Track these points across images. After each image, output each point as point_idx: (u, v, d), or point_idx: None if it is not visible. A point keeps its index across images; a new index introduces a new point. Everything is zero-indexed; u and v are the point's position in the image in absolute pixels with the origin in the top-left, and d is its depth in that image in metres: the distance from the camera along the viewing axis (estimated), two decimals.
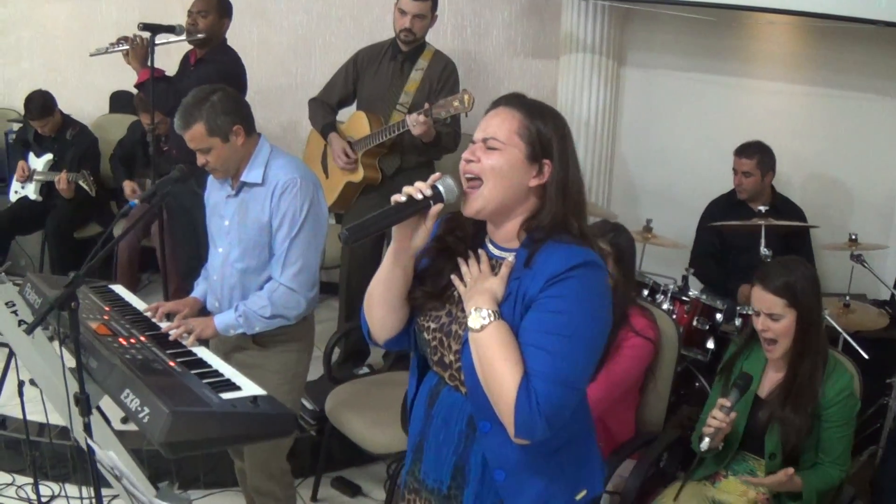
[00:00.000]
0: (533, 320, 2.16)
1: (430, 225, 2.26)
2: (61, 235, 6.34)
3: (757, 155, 5.33)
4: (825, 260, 5.68)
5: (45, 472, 4.54)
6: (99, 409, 3.08)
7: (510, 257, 2.27)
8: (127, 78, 6.63)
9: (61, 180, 6.11)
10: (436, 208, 2.24)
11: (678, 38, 6.24)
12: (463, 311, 2.25)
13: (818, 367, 3.31)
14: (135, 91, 5.76)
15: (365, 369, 5.43)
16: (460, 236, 2.37)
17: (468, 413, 2.33)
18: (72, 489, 4.38)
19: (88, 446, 2.81)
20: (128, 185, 6.12)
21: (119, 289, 3.89)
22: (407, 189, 2.23)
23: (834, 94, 5.88)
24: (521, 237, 2.27)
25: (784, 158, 5.58)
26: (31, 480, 4.40)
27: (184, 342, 3.40)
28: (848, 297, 4.98)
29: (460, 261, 2.33)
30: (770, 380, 3.43)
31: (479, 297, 2.20)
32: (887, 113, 5.75)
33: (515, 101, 2.31)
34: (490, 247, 2.34)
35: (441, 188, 2.23)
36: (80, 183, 6.13)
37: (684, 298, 4.82)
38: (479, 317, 2.17)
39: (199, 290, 3.80)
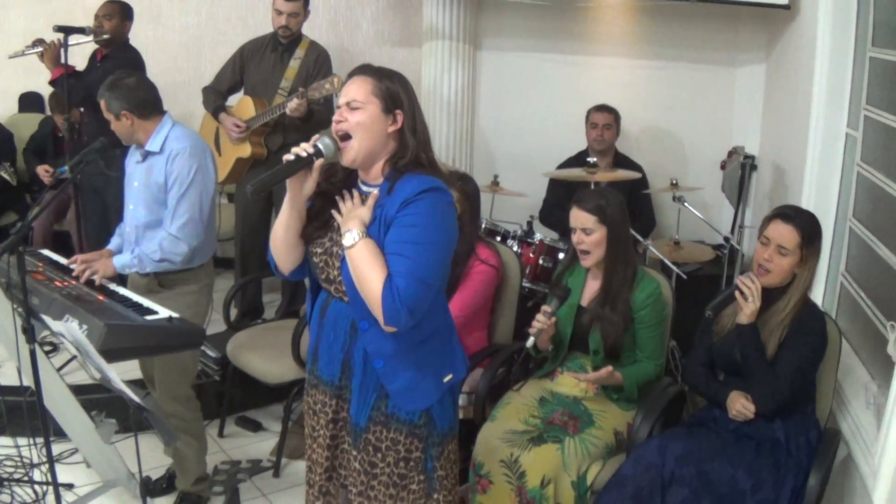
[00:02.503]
0: (392, 234, 2.74)
1: (315, 176, 2.83)
2: None
3: (614, 111, 6.11)
4: (667, 212, 6.44)
5: None
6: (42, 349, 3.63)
7: (375, 191, 2.85)
8: (33, 80, 7.12)
9: None
10: (318, 162, 2.80)
11: (526, 24, 6.86)
12: (341, 235, 2.83)
13: (628, 275, 3.92)
14: (43, 91, 6.29)
15: (259, 322, 5.97)
16: (334, 181, 2.95)
17: (350, 317, 2.90)
18: (4, 440, 4.81)
19: (37, 386, 3.31)
20: (41, 168, 6.42)
21: (46, 252, 4.44)
22: (294, 149, 2.81)
23: (665, 66, 6.64)
24: (385, 173, 2.86)
25: (625, 124, 6.30)
26: None
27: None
28: (677, 236, 5.68)
29: (337, 198, 2.90)
30: (590, 289, 4.03)
31: (351, 222, 2.78)
32: (712, 79, 6.55)
33: (366, 69, 2.89)
34: (362, 186, 2.92)
35: (321, 146, 2.79)
36: (2, 174, 6.51)
37: (529, 241, 5.39)
38: (351, 237, 2.74)
39: (113, 243, 4.34)
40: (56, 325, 3.00)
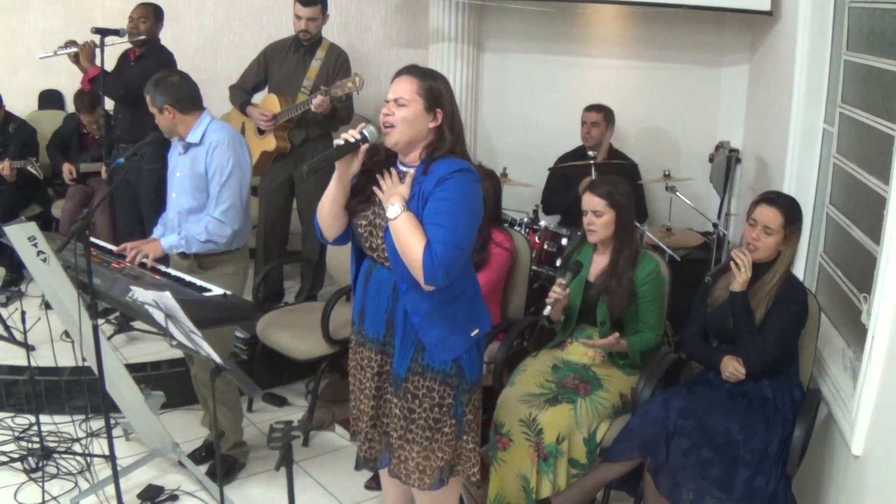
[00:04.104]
0: (430, 208, 3.17)
1: (361, 158, 3.26)
2: (8, 215, 6.76)
3: (603, 110, 6.46)
4: (659, 201, 6.83)
5: (20, 406, 5.24)
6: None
7: (412, 171, 3.28)
8: (53, 78, 7.42)
9: (5, 167, 6.74)
10: (364, 147, 3.24)
11: (526, 27, 7.23)
12: (383, 209, 3.25)
13: (632, 254, 4.32)
14: (63, 89, 6.60)
15: (282, 305, 6.31)
16: (377, 161, 3.37)
17: (392, 281, 3.33)
18: (44, 418, 5.03)
19: (99, 359, 3.72)
20: (65, 167, 6.86)
21: (93, 239, 4.80)
22: (343, 135, 3.22)
23: (656, 67, 7.03)
24: (422, 157, 3.28)
25: (619, 120, 6.65)
26: (9, 415, 5.18)
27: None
28: (670, 223, 6.16)
29: (378, 176, 3.32)
30: (596, 267, 4.41)
31: (393, 197, 3.20)
32: (700, 78, 6.94)
33: (412, 69, 3.30)
34: (400, 166, 3.35)
35: (367, 133, 3.23)
36: (29, 168, 6.77)
37: (535, 227, 5.77)
38: (394, 210, 3.16)
39: (157, 232, 4.70)
40: (147, 296, 3.37)
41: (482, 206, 3.30)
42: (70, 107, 7.44)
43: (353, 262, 3.58)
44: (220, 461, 4.19)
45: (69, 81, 7.39)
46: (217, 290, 4.03)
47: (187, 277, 4.23)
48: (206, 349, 3.38)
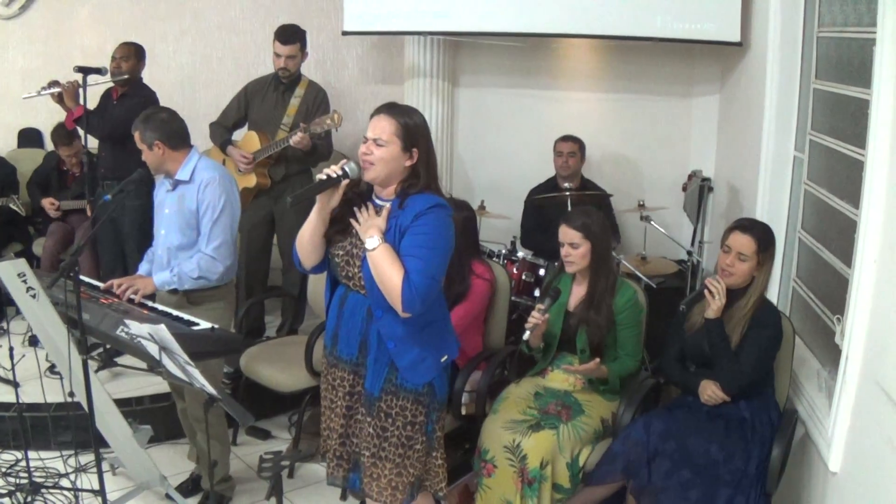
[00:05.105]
0: (407, 240, 3.33)
1: (340, 192, 3.42)
2: None
3: (578, 141, 6.59)
4: (633, 230, 6.93)
5: (6, 442, 5.23)
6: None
7: (388, 205, 3.42)
8: (31, 117, 7.49)
9: None
10: (344, 182, 3.40)
11: (500, 63, 7.34)
12: (360, 240, 3.39)
13: (610, 283, 4.42)
14: (42, 127, 6.78)
15: (263, 339, 6.32)
16: (357, 192, 3.52)
17: (367, 306, 3.47)
18: (31, 454, 4.92)
19: (88, 393, 3.76)
20: (46, 201, 6.92)
21: (82, 277, 4.85)
22: (325, 170, 3.38)
23: (628, 99, 7.18)
24: (398, 191, 3.43)
25: (591, 151, 6.79)
26: None
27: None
28: (645, 251, 6.27)
29: (355, 209, 3.45)
30: (575, 296, 4.51)
31: (371, 229, 3.34)
32: (669, 109, 7.11)
33: (390, 109, 3.44)
34: (376, 200, 3.50)
35: (347, 169, 3.39)
36: (11, 205, 6.82)
37: (514, 258, 5.90)
38: (373, 242, 3.31)
39: (143, 269, 4.72)
40: (142, 329, 3.44)
41: (454, 239, 3.46)
42: (49, 145, 7.48)
43: (327, 288, 3.72)
44: (213, 492, 4.24)
45: (48, 120, 7.44)
46: (205, 324, 4.09)
47: (174, 312, 4.27)
48: (200, 380, 3.44)
